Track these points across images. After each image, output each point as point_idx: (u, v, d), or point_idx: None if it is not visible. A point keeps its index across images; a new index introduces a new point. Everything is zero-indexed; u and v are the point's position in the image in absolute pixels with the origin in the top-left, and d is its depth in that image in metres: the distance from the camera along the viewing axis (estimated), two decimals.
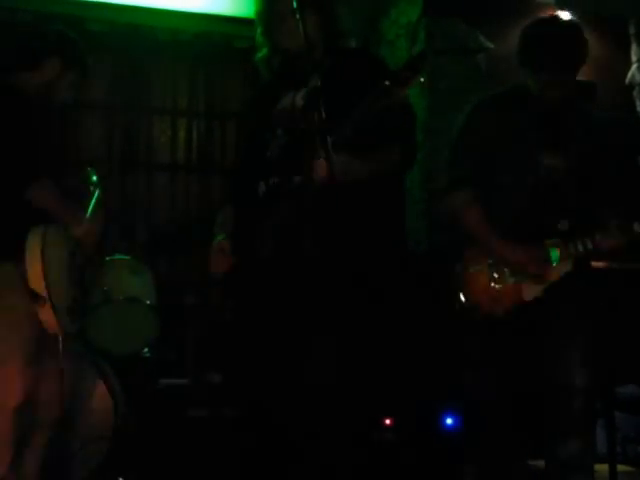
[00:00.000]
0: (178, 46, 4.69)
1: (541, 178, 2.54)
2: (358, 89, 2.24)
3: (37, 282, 2.44)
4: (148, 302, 3.72)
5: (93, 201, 2.74)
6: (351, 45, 3.70)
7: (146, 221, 4.69)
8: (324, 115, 2.14)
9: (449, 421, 3.52)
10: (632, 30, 4.47)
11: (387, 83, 2.11)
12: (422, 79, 2.13)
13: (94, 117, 4.68)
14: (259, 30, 2.52)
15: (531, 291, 2.54)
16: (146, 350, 3.69)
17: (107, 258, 3.81)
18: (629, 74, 4.49)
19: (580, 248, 2.51)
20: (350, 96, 2.24)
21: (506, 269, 2.57)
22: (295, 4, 2.26)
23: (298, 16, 2.24)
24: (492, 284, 2.57)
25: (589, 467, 2.57)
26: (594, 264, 2.77)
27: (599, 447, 3.40)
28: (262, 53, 2.53)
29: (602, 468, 3.29)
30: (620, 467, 3.35)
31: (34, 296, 2.44)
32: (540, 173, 2.55)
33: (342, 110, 2.20)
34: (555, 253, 2.52)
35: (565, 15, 4.15)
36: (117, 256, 3.87)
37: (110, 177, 4.65)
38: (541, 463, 2.65)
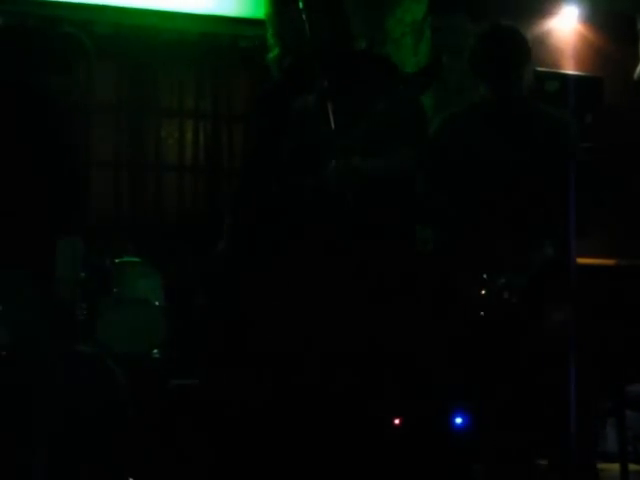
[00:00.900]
0: (184, 47, 4.71)
1: (511, 173, 2.58)
2: (371, 92, 2.25)
3: None
4: (157, 303, 3.75)
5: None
6: (361, 47, 3.71)
7: (155, 222, 4.71)
8: (332, 116, 2.16)
9: (458, 421, 3.51)
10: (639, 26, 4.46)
11: (402, 87, 2.13)
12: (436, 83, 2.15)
13: (102, 119, 4.70)
14: (270, 31, 2.54)
15: (517, 281, 2.54)
16: (156, 351, 3.72)
17: (116, 260, 3.85)
18: (637, 69, 4.45)
19: (558, 231, 2.54)
20: (362, 98, 2.25)
21: (492, 261, 2.58)
22: (301, 5, 2.28)
23: (305, 17, 2.25)
24: (483, 278, 2.59)
25: (591, 465, 2.58)
26: (603, 261, 2.77)
27: (610, 446, 3.40)
28: (273, 54, 2.56)
29: (613, 467, 3.28)
30: (631, 466, 3.34)
31: None
32: (510, 169, 2.59)
33: (354, 112, 2.22)
34: (534, 241, 2.54)
35: (572, 12, 4.15)
36: (126, 258, 3.91)
37: (119, 179, 4.69)
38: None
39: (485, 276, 2.58)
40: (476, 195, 2.62)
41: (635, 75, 4.47)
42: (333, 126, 2.18)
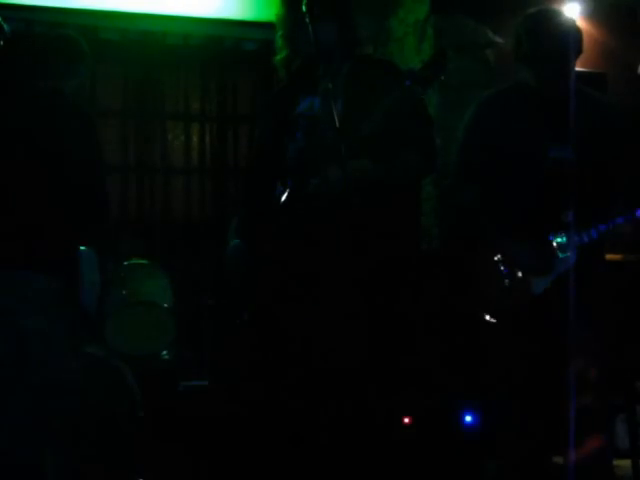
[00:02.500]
0: (189, 51, 4.74)
1: (548, 171, 2.55)
2: (376, 92, 2.26)
3: None
4: (165, 305, 3.77)
5: None
6: (368, 51, 3.73)
7: (163, 223, 4.73)
8: (336, 117, 2.17)
9: (468, 418, 3.52)
10: None
11: (408, 83, 2.13)
12: (442, 77, 2.14)
13: (109, 123, 4.73)
14: (279, 33, 2.54)
15: (539, 284, 2.54)
16: (165, 352, 3.74)
17: (125, 262, 3.87)
18: None
19: (585, 239, 2.51)
20: (367, 100, 2.26)
21: (514, 263, 2.57)
22: (305, 9, 2.29)
23: (308, 20, 2.27)
24: (502, 279, 2.58)
25: (608, 462, 2.57)
26: (610, 256, 2.76)
27: (621, 442, 3.39)
28: (281, 55, 2.55)
29: (624, 463, 3.28)
30: None
31: None
32: (547, 166, 2.55)
33: (358, 114, 2.22)
34: (561, 245, 2.52)
35: (574, 7, 4.15)
36: (135, 260, 3.93)
37: (127, 182, 4.72)
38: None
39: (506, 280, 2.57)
40: (507, 191, 2.57)
41: (638, 69, 4.47)
42: (337, 126, 2.18)
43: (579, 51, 2.57)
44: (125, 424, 3.19)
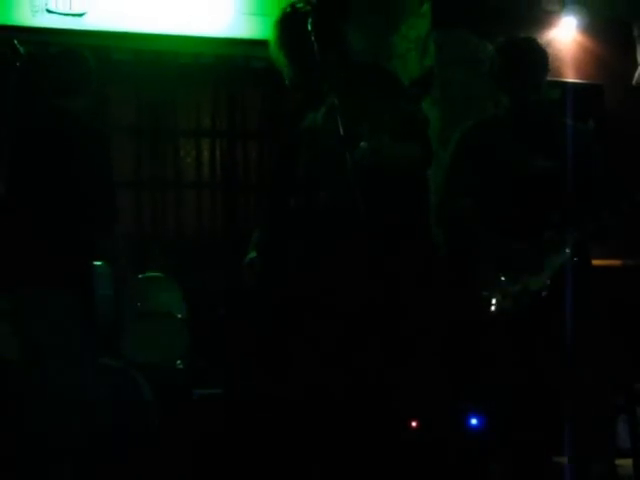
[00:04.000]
0: (200, 69, 4.82)
1: (533, 179, 2.68)
2: (372, 103, 2.34)
3: None
4: (179, 316, 3.86)
5: None
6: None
7: (175, 237, 4.82)
8: (342, 131, 2.25)
9: (474, 421, 3.55)
10: (636, 32, 4.51)
11: (400, 101, 2.23)
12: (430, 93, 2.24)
13: (123, 141, 4.81)
14: (282, 52, 2.59)
15: (535, 282, 2.63)
16: (179, 362, 3.82)
17: (140, 276, 3.97)
18: (636, 75, 4.52)
19: (573, 235, 2.62)
20: (364, 110, 2.34)
21: (510, 264, 2.67)
22: (310, 27, 2.39)
23: (313, 38, 2.37)
24: (500, 280, 2.68)
25: (609, 460, 2.65)
26: (613, 262, 2.85)
27: (622, 442, 3.43)
28: (287, 74, 2.61)
29: (626, 463, 3.32)
30: None
31: None
32: (532, 174, 2.69)
33: (356, 126, 2.30)
34: (551, 244, 2.63)
35: (571, 21, 4.24)
36: (149, 273, 4.02)
37: (140, 197, 4.80)
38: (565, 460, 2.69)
39: (502, 279, 2.67)
40: (498, 199, 2.72)
41: (634, 80, 4.54)
42: (342, 132, 2.26)
43: (544, 75, 2.79)
44: (142, 435, 3.24)
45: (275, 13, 2.68)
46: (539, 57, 2.76)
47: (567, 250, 2.62)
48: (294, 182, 2.55)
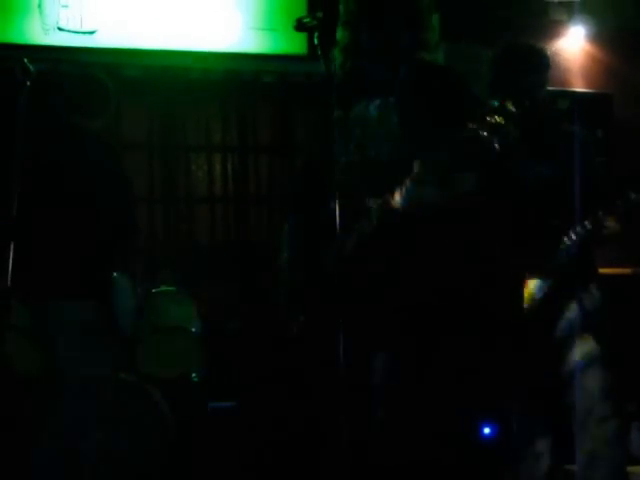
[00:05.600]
0: (210, 84, 4.85)
1: (534, 184, 2.69)
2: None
3: None
4: (193, 330, 3.89)
5: None
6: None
7: (188, 252, 4.84)
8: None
9: (486, 430, 3.55)
10: None
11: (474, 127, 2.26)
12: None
13: (135, 157, 4.85)
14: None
15: (540, 288, 2.65)
16: (194, 375, 3.84)
17: (154, 290, 4.01)
18: None
19: (574, 237, 2.62)
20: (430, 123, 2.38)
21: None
22: (316, 41, 2.42)
23: (320, 52, 2.41)
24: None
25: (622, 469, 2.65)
26: (621, 271, 2.85)
27: (635, 449, 3.43)
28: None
29: (638, 469, 3.32)
30: None
31: None
32: (533, 180, 2.70)
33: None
34: (552, 246, 2.64)
35: (579, 30, 4.26)
36: (163, 288, 4.05)
37: (153, 212, 4.84)
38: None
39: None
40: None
41: None
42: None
43: (545, 83, 2.81)
44: (158, 448, 3.21)
45: (283, 28, 2.70)
46: (538, 60, 2.77)
47: (567, 254, 2.62)
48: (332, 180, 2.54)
